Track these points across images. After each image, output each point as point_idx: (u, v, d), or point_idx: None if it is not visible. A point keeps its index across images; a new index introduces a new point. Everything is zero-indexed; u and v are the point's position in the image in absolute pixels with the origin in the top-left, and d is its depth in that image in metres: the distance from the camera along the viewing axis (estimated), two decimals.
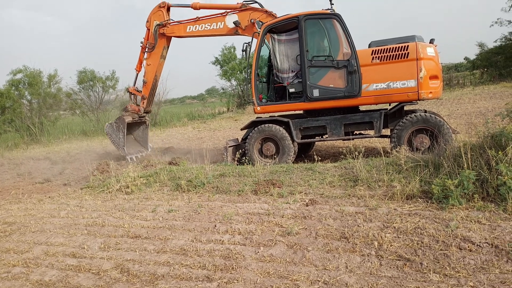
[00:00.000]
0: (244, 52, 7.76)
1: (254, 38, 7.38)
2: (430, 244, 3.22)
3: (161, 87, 23.61)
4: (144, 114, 9.41)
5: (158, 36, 8.68)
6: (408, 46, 6.23)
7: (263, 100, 7.57)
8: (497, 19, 24.51)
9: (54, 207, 5.86)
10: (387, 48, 6.36)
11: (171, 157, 9.25)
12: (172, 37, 8.89)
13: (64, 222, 5.01)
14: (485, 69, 25.42)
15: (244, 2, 7.90)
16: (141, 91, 9.19)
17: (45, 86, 22.76)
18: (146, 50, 8.87)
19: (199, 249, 3.69)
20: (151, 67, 8.97)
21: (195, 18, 8.29)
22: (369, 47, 6.64)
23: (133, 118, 9.12)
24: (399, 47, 6.28)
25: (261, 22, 7.45)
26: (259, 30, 7.33)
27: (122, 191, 6.22)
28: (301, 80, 6.96)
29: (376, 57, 6.43)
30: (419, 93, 6.24)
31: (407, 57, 6.23)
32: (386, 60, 6.36)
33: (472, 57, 27.59)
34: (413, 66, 6.21)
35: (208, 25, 8.22)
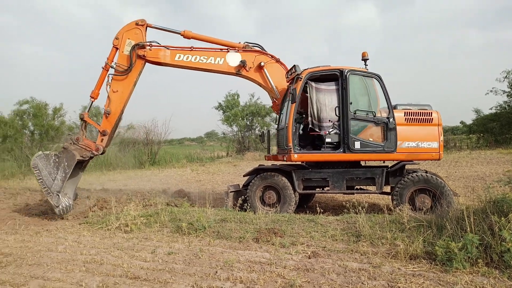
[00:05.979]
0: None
1: (295, 81, 7.03)
2: None
3: (163, 127, 24.33)
4: (100, 154, 7.68)
5: (136, 58, 7.26)
6: (432, 113, 6.90)
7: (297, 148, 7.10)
8: (492, 88, 25.60)
9: (51, 240, 5.76)
10: (416, 112, 6.91)
11: (169, 198, 9.22)
12: (149, 63, 7.52)
13: (61, 257, 4.91)
14: (481, 134, 26.08)
15: (247, 43, 7.58)
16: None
17: (49, 119, 23.14)
18: (114, 73, 7.30)
19: None
20: (119, 94, 7.26)
21: (190, 47, 7.37)
22: (394, 109, 6.97)
23: (82, 156, 7.17)
24: (426, 112, 6.90)
25: (297, 67, 7.02)
26: (299, 74, 6.96)
27: (121, 230, 6.15)
28: (338, 131, 6.94)
29: (407, 118, 6.90)
30: (440, 153, 6.85)
31: (431, 122, 6.86)
32: (416, 122, 6.91)
33: (468, 121, 28.41)
34: (436, 130, 6.87)
35: (204, 58, 7.33)
